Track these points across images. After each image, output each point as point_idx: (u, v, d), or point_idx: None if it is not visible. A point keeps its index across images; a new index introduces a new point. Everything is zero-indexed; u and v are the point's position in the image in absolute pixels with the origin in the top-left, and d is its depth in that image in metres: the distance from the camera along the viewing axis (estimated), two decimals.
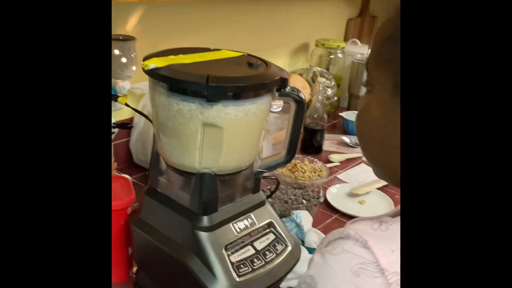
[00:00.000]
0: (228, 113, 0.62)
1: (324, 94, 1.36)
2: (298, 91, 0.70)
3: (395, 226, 0.43)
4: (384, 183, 1.23)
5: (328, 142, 1.46)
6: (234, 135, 0.64)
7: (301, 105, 0.71)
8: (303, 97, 0.70)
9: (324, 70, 1.58)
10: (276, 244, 0.73)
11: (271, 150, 1.14)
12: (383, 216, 0.59)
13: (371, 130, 0.50)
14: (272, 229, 0.74)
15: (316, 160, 1.23)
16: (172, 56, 0.66)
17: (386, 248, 0.41)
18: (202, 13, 1.29)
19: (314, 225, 1.02)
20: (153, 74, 0.62)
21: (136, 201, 0.78)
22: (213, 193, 0.67)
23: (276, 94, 0.68)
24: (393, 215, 0.59)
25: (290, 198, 1.03)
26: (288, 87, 0.68)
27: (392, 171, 0.50)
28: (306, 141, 1.38)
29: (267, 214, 0.75)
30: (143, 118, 1.12)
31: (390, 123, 0.47)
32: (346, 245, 0.42)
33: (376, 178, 1.35)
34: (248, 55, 0.72)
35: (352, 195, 1.15)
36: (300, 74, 1.53)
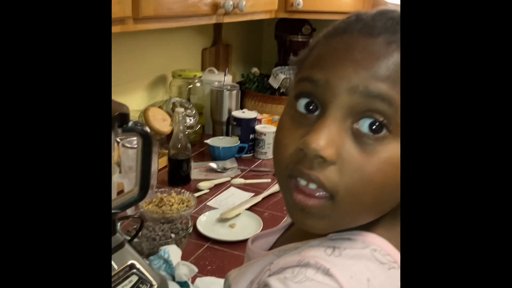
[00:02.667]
0: None
1: (184, 123, 1.37)
2: (142, 125, 0.68)
3: (347, 251, 0.43)
4: (252, 202, 1.27)
5: (196, 171, 1.46)
6: None
7: (147, 139, 0.69)
8: (148, 131, 0.69)
9: (183, 100, 1.59)
10: (140, 286, 0.70)
11: None
12: (276, 231, 0.60)
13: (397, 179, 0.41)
14: (134, 270, 0.71)
15: (183, 190, 1.22)
16: None
17: (346, 274, 0.41)
18: None
19: (187, 257, 1.01)
20: None
21: None
22: None
23: (119, 130, 0.66)
24: (283, 227, 0.60)
25: (158, 235, 1.00)
26: (131, 122, 0.67)
27: (383, 209, 0.45)
28: (172, 172, 1.36)
29: (128, 256, 0.72)
30: None
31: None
32: (308, 273, 0.41)
33: (245, 199, 1.38)
34: None
35: (222, 220, 1.16)
36: (160, 107, 1.52)
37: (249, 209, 1.23)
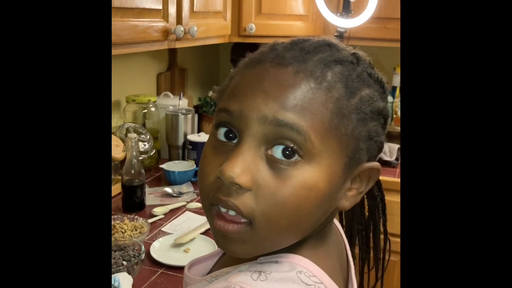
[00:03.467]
0: None
1: (137, 149, 1.36)
2: None
3: (273, 275, 0.43)
4: (207, 226, 1.26)
5: (152, 196, 1.45)
6: None
7: None
8: None
9: (137, 125, 1.58)
10: None
11: None
12: (214, 255, 0.60)
13: (315, 204, 0.43)
14: None
15: (137, 217, 1.20)
16: None
17: None
18: None
19: (140, 284, 0.99)
20: None
21: None
22: None
23: None
24: (217, 253, 0.60)
25: None
26: None
27: (303, 231, 0.46)
28: (126, 199, 1.34)
29: None
30: None
31: (334, 194, 0.45)
32: None
33: (200, 223, 1.37)
34: None
35: (176, 245, 1.15)
36: (113, 133, 1.51)
37: (204, 233, 1.23)
